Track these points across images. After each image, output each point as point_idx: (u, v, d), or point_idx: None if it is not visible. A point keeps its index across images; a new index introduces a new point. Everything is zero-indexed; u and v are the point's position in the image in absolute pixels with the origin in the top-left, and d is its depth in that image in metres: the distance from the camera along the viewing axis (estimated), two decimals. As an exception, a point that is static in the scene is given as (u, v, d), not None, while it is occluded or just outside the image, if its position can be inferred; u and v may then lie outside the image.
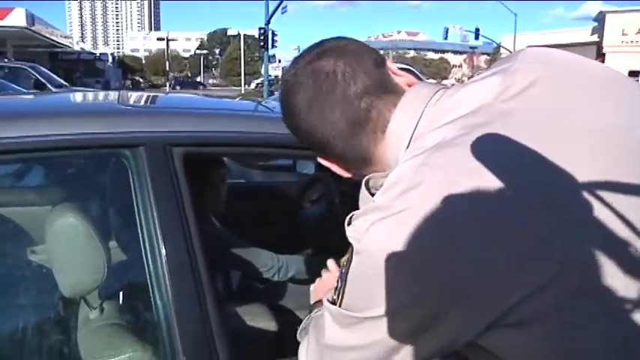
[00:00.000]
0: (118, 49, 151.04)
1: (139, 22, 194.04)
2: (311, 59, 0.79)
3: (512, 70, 0.72)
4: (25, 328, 1.30)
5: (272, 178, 3.28)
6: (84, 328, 1.28)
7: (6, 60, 17.32)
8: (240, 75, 54.74)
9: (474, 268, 0.60)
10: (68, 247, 1.21)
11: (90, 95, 1.95)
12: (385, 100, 0.77)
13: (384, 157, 0.78)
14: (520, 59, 0.74)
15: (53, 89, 12.23)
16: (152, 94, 1.89)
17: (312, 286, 1.09)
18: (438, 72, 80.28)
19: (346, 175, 0.86)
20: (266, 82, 25.37)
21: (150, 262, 1.12)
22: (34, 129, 1.14)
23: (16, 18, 21.67)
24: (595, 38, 32.69)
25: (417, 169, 0.65)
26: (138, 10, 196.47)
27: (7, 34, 22.53)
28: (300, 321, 0.99)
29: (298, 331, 0.97)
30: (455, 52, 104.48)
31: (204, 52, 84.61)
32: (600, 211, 0.61)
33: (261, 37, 24.67)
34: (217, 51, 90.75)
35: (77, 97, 1.84)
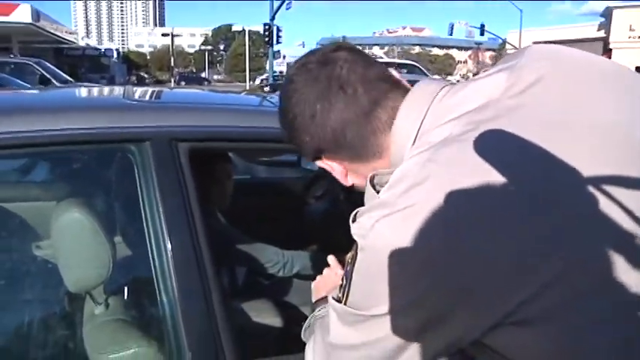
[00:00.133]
0: (123, 44, 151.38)
1: (143, 18, 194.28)
2: (318, 59, 0.80)
3: (519, 66, 0.72)
4: (30, 323, 1.30)
5: (277, 174, 3.28)
6: (89, 323, 1.28)
7: (11, 56, 17.38)
8: (244, 71, 54.79)
9: (479, 264, 0.59)
10: (73, 242, 1.21)
11: (95, 90, 1.95)
12: (391, 97, 0.78)
13: (390, 154, 0.78)
14: (526, 56, 0.74)
15: (58, 85, 12.25)
16: (157, 89, 1.89)
17: (313, 284, 1.09)
18: (443, 68, 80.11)
19: (346, 182, 0.85)
20: (271, 78, 25.36)
21: (155, 258, 1.11)
22: (39, 124, 1.14)
23: (22, 14, 21.72)
24: (602, 34, 32.51)
25: (422, 165, 0.65)
26: (142, 6, 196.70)
27: (12, 30, 22.60)
28: (306, 317, 0.99)
29: (302, 331, 0.96)
30: (460, 48, 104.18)
31: (209, 47, 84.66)
32: (605, 208, 0.60)
33: (266, 33, 24.70)
34: (222, 47, 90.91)
35: (83, 92, 1.83)
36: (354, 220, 0.69)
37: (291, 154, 2.93)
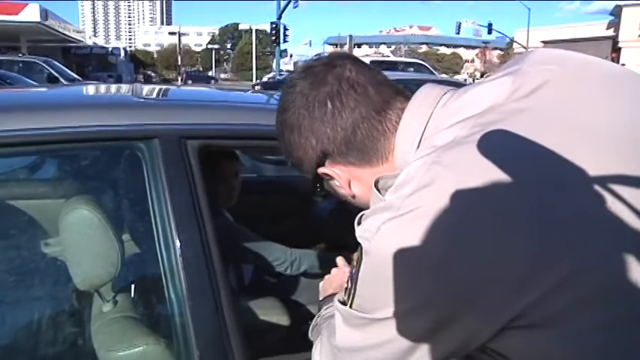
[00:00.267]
0: (130, 43, 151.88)
1: (151, 17, 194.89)
2: (324, 63, 0.80)
3: (523, 71, 0.72)
4: (39, 321, 1.31)
5: (284, 172, 3.28)
6: (97, 321, 1.28)
7: (20, 55, 17.50)
8: (251, 69, 54.88)
9: (486, 268, 0.59)
10: (82, 239, 1.21)
11: (104, 88, 1.96)
12: (399, 99, 0.79)
13: (394, 158, 0.78)
14: (529, 60, 0.74)
15: (66, 83, 12.32)
16: (166, 87, 1.89)
17: (321, 283, 1.09)
18: (450, 67, 79.85)
19: (349, 191, 0.84)
20: (277, 77, 25.38)
21: (164, 256, 1.11)
22: (48, 121, 1.14)
23: (30, 13, 21.86)
24: (611, 33, 32.29)
25: (428, 168, 0.64)
26: (150, 5, 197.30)
27: (21, 29, 22.76)
28: (313, 315, 0.98)
29: (310, 330, 0.96)
30: (467, 47, 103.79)
31: (216, 46, 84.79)
32: (613, 210, 0.60)
33: (273, 32, 24.73)
34: (229, 45, 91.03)
35: (91, 89, 1.84)
36: (359, 223, 0.69)
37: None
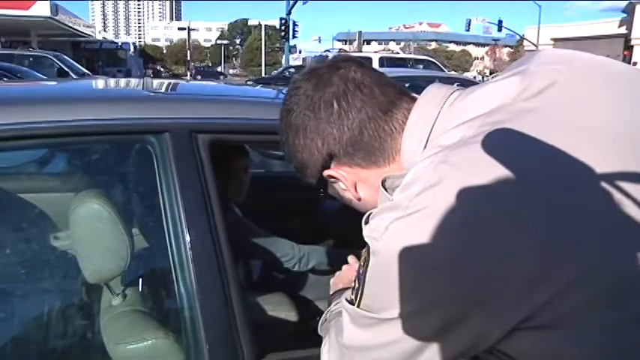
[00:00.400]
0: (140, 38, 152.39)
1: (160, 12, 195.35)
2: (328, 65, 0.80)
3: (530, 71, 0.71)
4: (48, 314, 1.31)
5: (292, 167, 3.25)
6: (106, 314, 1.28)
7: (30, 49, 17.61)
8: (260, 65, 54.87)
9: (494, 268, 0.58)
10: (92, 233, 1.21)
11: (114, 82, 1.96)
12: (405, 99, 0.79)
13: (401, 158, 0.77)
14: (537, 61, 0.74)
15: (76, 78, 12.38)
16: (176, 81, 1.89)
17: (331, 280, 1.08)
18: (459, 64, 79.49)
19: (355, 193, 0.84)
20: (287, 73, 25.38)
21: (174, 250, 1.11)
22: (59, 114, 1.14)
23: (41, 8, 21.95)
24: (623, 30, 32.00)
25: (435, 168, 0.64)
26: (159, 0, 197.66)
27: (31, 23, 22.88)
28: (322, 312, 0.98)
29: (319, 325, 0.96)
30: (477, 45, 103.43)
31: (225, 42, 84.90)
32: (622, 211, 0.59)
33: (282, 28, 24.74)
34: (238, 41, 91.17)
35: (101, 83, 1.84)
36: (366, 222, 0.68)
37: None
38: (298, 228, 2.13)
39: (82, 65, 16.87)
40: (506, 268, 0.58)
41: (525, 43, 39.89)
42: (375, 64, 12.97)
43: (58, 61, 14.40)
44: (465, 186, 0.60)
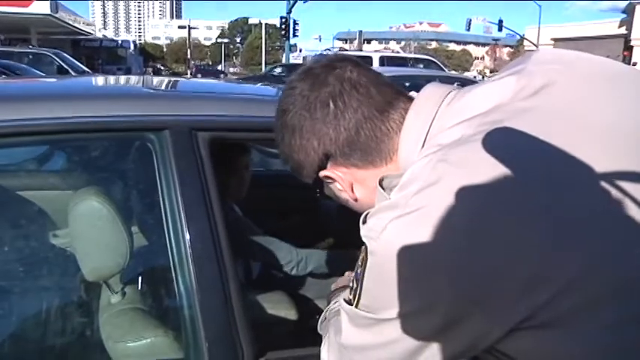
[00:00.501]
0: (140, 37, 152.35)
1: (160, 10, 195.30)
2: (324, 64, 0.80)
3: (528, 70, 0.71)
4: (47, 312, 1.31)
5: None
6: (105, 312, 1.28)
7: (30, 47, 17.60)
8: (261, 64, 54.85)
9: (494, 268, 0.58)
10: (91, 230, 1.21)
11: (114, 79, 1.95)
12: (401, 99, 0.78)
13: (399, 158, 0.77)
14: (534, 60, 0.73)
15: (75, 75, 12.37)
16: (176, 79, 1.89)
17: (333, 285, 1.08)
18: (459, 64, 79.51)
19: (352, 194, 0.83)
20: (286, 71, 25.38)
21: (173, 248, 1.11)
22: (58, 111, 1.14)
23: (41, 5, 21.94)
24: (623, 31, 32.00)
25: (434, 166, 0.63)
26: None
27: (31, 21, 22.88)
28: (322, 310, 0.98)
29: (319, 323, 0.96)
30: (477, 44, 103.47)
31: (226, 40, 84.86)
32: (622, 210, 0.59)
33: (283, 26, 24.72)
34: (238, 39, 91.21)
35: (101, 80, 1.83)
36: (364, 222, 0.68)
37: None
38: (299, 227, 2.12)
39: (81, 63, 16.88)
40: (508, 268, 0.58)
41: (525, 42, 39.91)
42: (376, 64, 12.99)
43: (57, 59, 14.41)
44: (466, 184, 0.59)
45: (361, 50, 30.31)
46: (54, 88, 1.65)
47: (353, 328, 0.71)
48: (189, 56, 53.74)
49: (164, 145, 1.14)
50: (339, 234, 2.17)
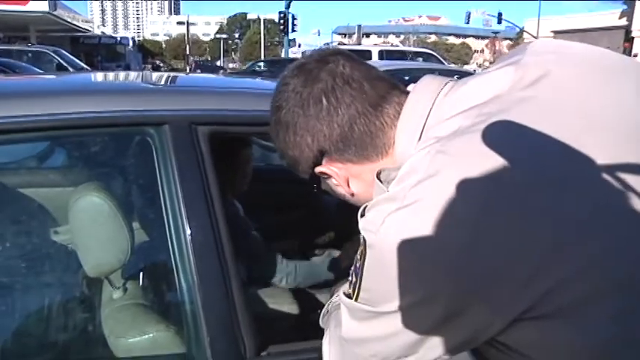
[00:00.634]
0: (138, 33, 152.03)
1: (159, 7, 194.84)
2: (316, 59, 0.79)
3: (525, 61, 0.71)
4: (49, 308, 1.31)
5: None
6: (107, 308, 1.28)
7: (29, 44, 17.57)
8: (259, 59, 54.77)
9: (495, 259, 0.58)
10: (92, 226, 1.21)
11: (113, 74, 1.95)
12: (395, 93, 0.78)
13: (395, 151, 0.76)
14: (530, 51, 0.73)
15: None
16: (175, 74, 1.88)
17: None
18: (459, 57, 79.30)
19: (347, 189, 0.83)
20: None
21: (174, 242, 1.11)
22: (58, 107, 1.14)
23: (39, 3, 21.88)
24: (623, 22, 31.88)
25: (432, 158, 0.63)
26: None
27: (29, 19, 22.83)
28: (323, 305, 0.98)
29: (321, 317, 0.96)
30: (477, 37, 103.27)
31: (224, 36, 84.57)
32: (623, 199, 0.59)
33: (281, 21, 24.67)
34: (237, 35, 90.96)
35: (101, 76, 1.83)
36: (362, 215, 0.68)
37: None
38: (298, 221, 2.12)
39: (80, 60, 16.82)
40: (509, 260, 0.57)
41: (525, 35, 39.78)
42: (375, 57, 12.95)
43: (56, 57, 14.38)
44: (465, 176, 0.59)
45: (360, 44, 30.23)
46: (53, 84, 1.65)
47: (353, 322, 0.71)
48: (187, 52, 53.70)
49: (164, 140, 1.13)
50: (339, 229, 2.17)
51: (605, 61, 0.72)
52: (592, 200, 0.59)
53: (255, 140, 1.90)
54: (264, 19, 61.07)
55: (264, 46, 57.34)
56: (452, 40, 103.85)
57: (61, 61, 14.16)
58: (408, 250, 0.60)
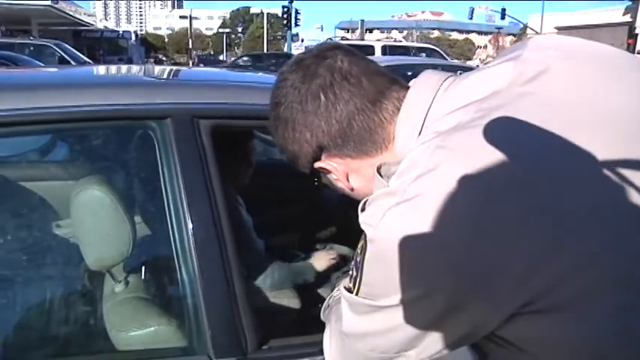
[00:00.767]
0: (141, 27, 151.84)
1: (161, 0, 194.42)
2: (315, 54, 0.79)
3: (524, 57, 0.71)
4: (51, 301, 1.31)
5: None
6: (109, 301, 1.28)
7: (31, 38, 17.56)
8: (262, 54, 54.58)
9: (494, 254, 0.58)
10: (94, 219, 1.21)
11: (115, 68, 1.95)
12: (394, 88, 0.78)
13: (395, 146, 0.76)
14: (530, 47, 0.73)
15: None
16: (178, 67, 1.88)
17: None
18: (462, 53, 79.08)
19: (347, 184, 0.83)
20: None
21: (176, 236, 1.11)
22: (60, 100, 1.13)
23: (41, -3, 21.88)
24: (627, 19, 31.75)
25: (432, 153, 0.63)
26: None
27: (32, 12, 22.83)
28: (324, 299, 0.98)
29: (322, 311, 0.96)
30: (480, 33, 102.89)
31: (227, 30, 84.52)
32: (621, 195, 0.59)
33: (285, 16, 24.61)
34: (240, 29, 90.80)
35: (103, 69, 1.83)
36: (362, 210, 0.68)
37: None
38: (299, 216, 2.12)
39: (83, 54, 16.81)
40: (508, 255, 0.58)
41: (529, 31, 39.65)
42: (378, 53, 12.93)
43: (59, 50, 14.37)
44: (465, 171, 0.59)
45: (363, 39, 30.18)
46: (55, 77, 1.65)
47: (354, 316, 0.71)
48: (190, 46, 53.61)
49: (166, 134, 1.13)
50: (341, 223, 2.17)
51: (606, 57, 0.72)
52: (591, 197, 0.59)
53: (257, 134, 1.89)
54: (268, 14, 60.85)
55: (267, 40, 57.21)
56: (455, 35, 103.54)
57: (64, 55, 14.14)
58: (409, 244, 0.60)
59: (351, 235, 1.13)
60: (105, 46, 29.81)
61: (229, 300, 1.08)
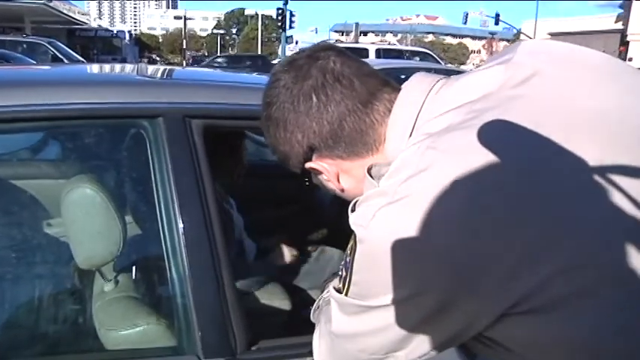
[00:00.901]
0: (135, 27, 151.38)
1: (156, 1, 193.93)
2: (308, 55, 0.79)
3: (515, 60, 0.71)
4: (40, 299, 1.30)
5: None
6: (98, 300, 1.27)
7: (24, 35, 17.45)
8: (256, 55, 54.53)
9: (484, 254, 0.58)
10: (84, 218, 1.20)
11: (108, 66, 1.94)
12: (386, 90, 0.78)
13: (386, 148, 0.77)
14: (520, 51, 0.74)
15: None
16: (170, 67, 1.88)
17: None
18: (456, 57, 79.34)
19: (337, 184, 0.83)
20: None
21: (167, 235, 1.11)
22: (51, 97, 1.13)
23: (35, -6, 21.76)
24: (619, 26, 32.01)
25: (423, 154, 0.63)
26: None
27: (25, 10, 22.69)
28: (314, 300, 0.98)
29: (312, 312, 0.96)
30: (474, 38, 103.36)
31: (222, 31, 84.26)
32: (611, 196, 0.59)
33: (279, 18, 24.63)
34: (234, 31, 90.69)
35: (95, 67, 1.82)
36: (352, 210, 0.68)
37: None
38: (292, 217, 2.12)
39: (76, 53, 16.72)
40: (497, 255, 0.58)
41: (522, 37, 39.87)
42: (372, 56, 12.95)
43: (52, 48, 14.29)
44: (456, 172, 0.59)
45: (357, 42, 30.23)
46: (47, 74, 1.64)
47: (343, 317, 0.71)
48: (184, 47, 53.49)
49: (157, 133, 1.13)
50: (332, 225, 2.17)
51: (595, 62, 0.73)
52: (581, 199, 0.60)
53: (249, 135, 1.89)
54: (262, 15, 60.91)
55: (262, 42, 57.20)
56: (449, 40, 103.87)
57: (57, 53, 14.07)
58: (398, 244, 0.60)
59: (343, 236, 1.13)
60: (99, 45, 29.67)
61: (219, 300, 1.08)
